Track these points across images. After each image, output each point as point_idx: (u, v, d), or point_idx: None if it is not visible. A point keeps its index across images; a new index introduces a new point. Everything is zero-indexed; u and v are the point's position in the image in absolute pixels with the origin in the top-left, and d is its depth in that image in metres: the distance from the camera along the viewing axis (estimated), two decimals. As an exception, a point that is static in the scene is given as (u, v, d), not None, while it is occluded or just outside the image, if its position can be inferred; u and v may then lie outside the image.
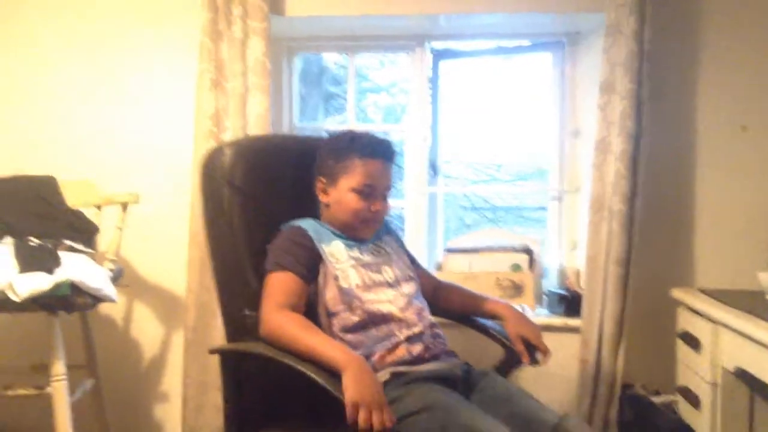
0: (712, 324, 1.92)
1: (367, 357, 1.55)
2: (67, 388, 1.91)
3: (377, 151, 1.74)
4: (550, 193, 2.64)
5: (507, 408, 1.53)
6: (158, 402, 2.51)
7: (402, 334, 1.62)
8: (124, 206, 2.20)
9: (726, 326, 1.85)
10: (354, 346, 1.56)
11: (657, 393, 2.24)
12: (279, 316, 1.52)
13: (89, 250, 2.11)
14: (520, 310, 2.36)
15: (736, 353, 1.81)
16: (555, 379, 2.31)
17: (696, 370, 2.00)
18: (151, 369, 2.51)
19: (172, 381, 2.46)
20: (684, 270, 2.35)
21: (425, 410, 1.43)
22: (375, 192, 1.72)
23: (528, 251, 2.50)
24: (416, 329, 1.64)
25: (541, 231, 2.72)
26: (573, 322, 2.33)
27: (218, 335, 2.25)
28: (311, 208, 1.80)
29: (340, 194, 1.72)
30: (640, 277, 2.22)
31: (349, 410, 1.32)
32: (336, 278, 1.64)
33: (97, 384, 2.23)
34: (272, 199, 1.79)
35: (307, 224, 1.71)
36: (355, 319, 1.61)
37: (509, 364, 1.81)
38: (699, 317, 2.00)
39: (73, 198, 2.20)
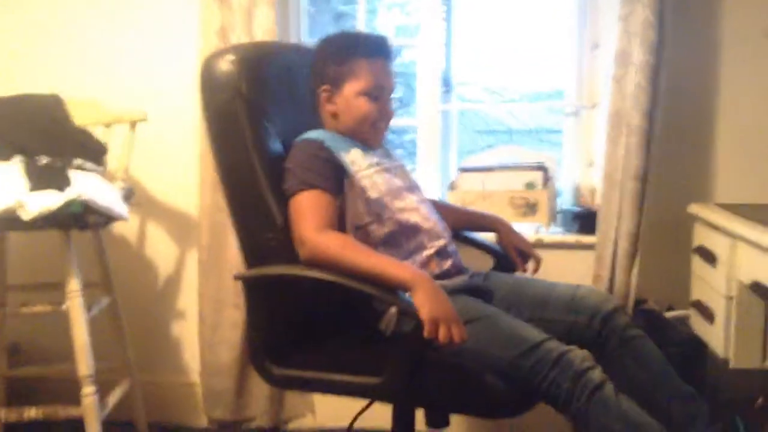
0: (729, 238, 1.89)
1: None
2: (83, 304, 1.93)
3: (381, 49, 1.67)
4: (567, 110, 2.57)
5: (524, 298, 1.65)
6: (175, 319, 2.55)
7: (432, 247, 1.61)
8: (133, 124, 2.18)
9: (744, 239, 1.82)
10: None
11: (670, 308, 2.24)
12: (325, 237, 1.46)
13: (99, 169, 2.10)
14: (535, 228, 2.37)
15: (753, 267, 1.79)
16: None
17: (711, 285, 1.99)
18: (166, 287, 2.54)
19: (188, 298, 2.49)
20: (703, 186, 2.30)
21: (470, 322, 1.42)
22: (383, 94, 1.67)
23: (543, 169, 2.45)
24: (442, 241, 1.63)
25: (557, 152, 2.66)
26: (587, 239, 2.31)
27: (232, 255, 2.26)
28: (316, 121, 1.73)
29: (348, 100, 1.65)
30: (658, 193, 2.17)
31: (428, 327, 1.30)
32: (363, 189, 1.59)
33: (114, 302, 2.25)
34: (282, 110, 1.68)
35: (321, 135, 1.64)
36: (385, 230, 1.58)
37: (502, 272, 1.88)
38: (716, 231, 1.97)
39: (80, 117, 2.16)
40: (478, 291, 1.61)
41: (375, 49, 1.67)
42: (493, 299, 1.64)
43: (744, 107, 2.25)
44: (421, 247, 1.60)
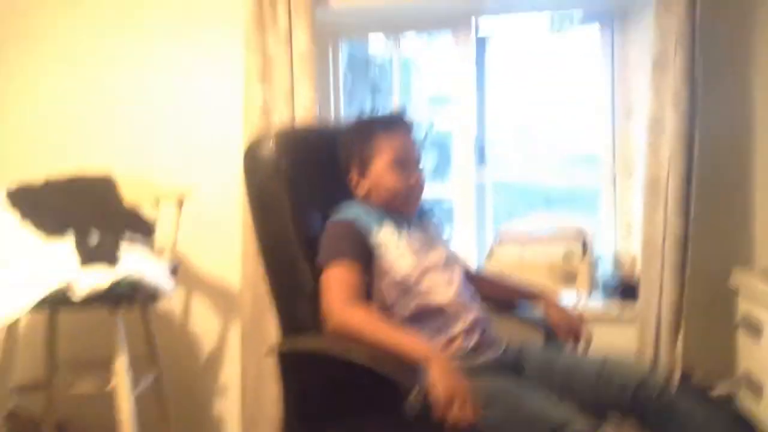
0: (776, 307, 1.85)
1: None
2: (129, 385, 1.95)
3: (398, 123, 1.76)
4: (603, 176, 2.58)
5: (556, 369, 1.60)
6: (217, 394, 2.56)
7: (457, 326, 1.61)
8: (180, 201, 2.25)
9: (791, 309, 1.79)
10: None
11: (716, 383, 2.17)
12: (351, 310, 1.49)
13: (148, 245, 2.16)
14: (575, 298, 2.34)
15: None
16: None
17: (758, 358, 1.94)
18: (209, 361, 2.57)
19: (231, 373, 2.50)
20: (744, 251, 2.26)
21: (492, 402, 1.41)
22: (409, 164, 1.73)
23: (581, 237, 2.44)
24: (470, 318, 1.63)
25: (595, 215, 2.66)
26: (629, 309, 2.28)
27: (274, 327, 2.28)
28: (353, 196, 1.78)
29: (377, 176, 1.72)
30: (698, 261, 2.13)
31: (440, 405, 1.30)
32: (389, 270, 1.62)
33: (159, 378, 2.28)
34: (319, 186, 1.77)
35: (353, 214, 1.68)
36: (409, 311, 1.60)
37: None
38: (761, 301, 1.93)
39: (130, 195, 2.26)
40: (507, 367, 1.60)
41: (391, 124, 1.75)
42: (524, 373, 1.63)
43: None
44: (446, 327, 1.60)
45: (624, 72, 2.49)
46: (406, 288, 1.62)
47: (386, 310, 1.61)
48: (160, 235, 2.26)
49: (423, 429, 1.33)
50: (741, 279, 2.08)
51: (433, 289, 1.64)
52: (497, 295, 1.88)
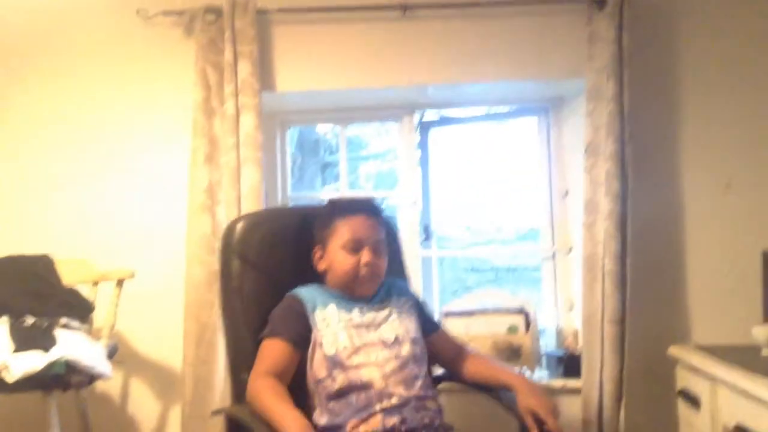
0: (710, 381, 1.90)
1: (341, 426, 1.58)
2: (62, 469, 1.88)
3: (357, 208, 1.82)
4: (543, 254, 2.65)
5: None
6: (157, 481, 2.47)
7: (380, 404, 1.61)
8: (120, 282, 2.22)
9: (724, 383, 1.84)
10: (336, 413, 1.61)
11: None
12: (258, 382, 1.60)
13: (84, 327, 2.12)
14: (525, 374, 2.36)
15: (735, 410, 1.79)
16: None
17: (698, 429, 1.97)
18: (149, 445, 2.48)
19: (171, 457, 2.42)
20: (680, 326, 2.35)
21: None
22: (362, 245, 1.76)
23: (524, 312, 2.49)
24: (395, 400, 1.62)
25: (539, 291, 2.72)
26: (573, 383, 2.31)
27: (216, 408, 2.24)
28: (314, 277, 1.85)
29: (332, 257, 1.78)
30: (637, 335, 2.21)
31: None
32: (321, 345, 1.67)
33: (94, 463, 2.20)
34: (281, 269, 1.88)
35: (306, 290, 1.77)
36: (336, 386, 1.63)
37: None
38: (697, 374, 1.99)
39: (69, 276, 2.22)
40: None
41: (354, 208, 1.83)
42: None
43: (709, 251, 2.36)
44: (369, 404, 1.61)
45: (560, 155, 2.61)
46: (336, 362, 1.65)
47: (317, 383, 1.65)
48: (99, 317, 2.21)
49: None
50: (678, 353, 2.14)
51: (364, 366, 1.65)
52: (479, 378, 1.86)
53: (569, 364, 2.37)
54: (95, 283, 2.25)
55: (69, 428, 2.18)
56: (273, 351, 1.66)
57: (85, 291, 2.22)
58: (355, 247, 1.76)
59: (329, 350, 1.66)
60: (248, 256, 1.84)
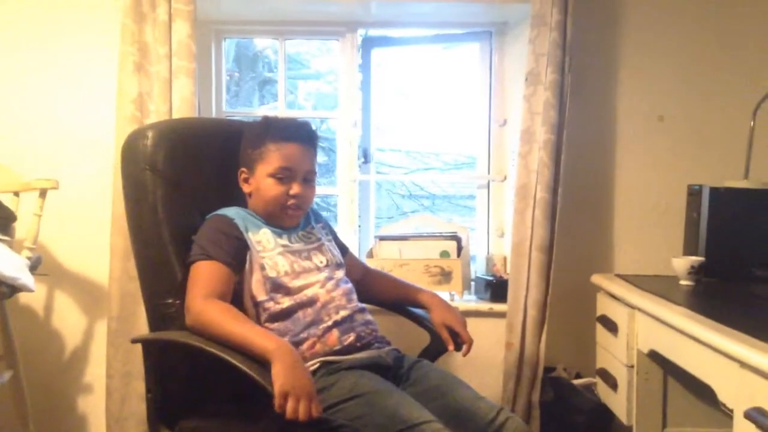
0: (628, 308, 1.99)
1: (297, 345, 1.54)
2: (-19, 380, 1.85)
3: (292, 135, 1.71)
4: (479, 182, 2.68)
5: (441, 399, 1.54)
6: (82, 393, 2.45)
7: (330, 318, 1.61)
8: (43, 192, 2.13)
9: (641, 310, 1.92)
10: (281, 333, 1.56)
11: (578, 375, 2.32)
12: (206, 304, 1.50)
13: (6, 238, 2.04)
14: (449, 296, 2.43)
15: (650, 336, 1.89)
16: (482, 362, 2.36)
17: (613, 353, 2.07)
18: (73, 359, 2.45)
19: (96, 371, 2.40)
20: (604, 256, 2.44)
21: (353, 397, 1.44)
22: (293, 175, 1.69)
23: (456, 238, 2.54)
24: (344, 312, 1.63)
25: (471, 218, 2.76)
26: (499, 307, 2.38)
27: (143, 324, 2.20)
28: (239, 196, 1.76)
29: (259, 182, 1.70)
30: (563, 264, 2.28)
31: (277, 399, 1.31)
32: (263, 267, 1.62)
33: (16, 375, 2.15)
34: (198, 185, 1.75)
35: (233, 212, 1.68)
36: (282, 306, 1.60)
37: (435, 350, 1.84)
38: (616, 302, 2.07)
39: (-12, 184, 2.12)
40: (378, 367, 1.60)
41: (287, 134, 1.72)
42: (401, 382, 1.63)
43: (638, 183, 2.43)
44: (318, 320, 1.61)
45: (501, 84, 2.60)
46: (278, 286, 1.62)
47: (256, 306, 1.61)
48: (21, 228, 2.13)
49: (276, 418, 1.34)
50: (599, 281, 2.22)
51: (307, 287, 1.65)
52: (390, 297, 1.91)
53: (497, 289, 2.44)
54: (17, 193, 2.15)
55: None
56: (211, 274, 1.56)
57: (6, 200, 2.12)
58: (286, 177, 1.68)
59: (270, 273, 1.62)
60: (163, 169, 1.67)
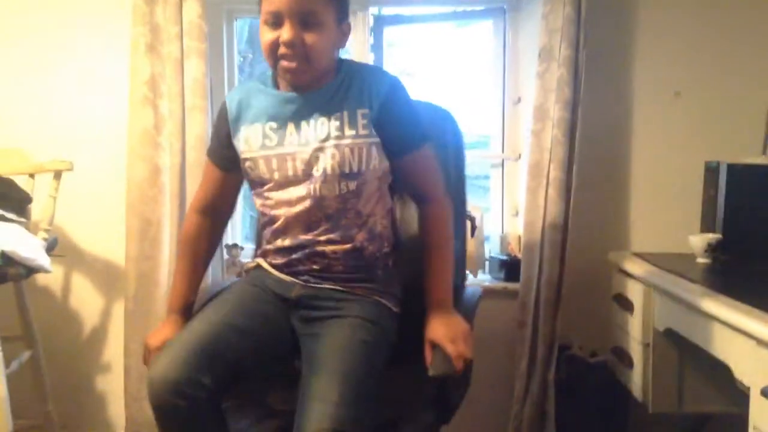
0: (644, 286, 1.98)
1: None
2: (1, 359, 1.86)
3: None
4: (493, 161, 2.66)
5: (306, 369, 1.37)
6: (100, 372, 2.48)
7: (280, 241, 1.51)
8: (58, 174, 2.14)
9: (657, 288, 1.91)
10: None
11: (593, 354, 2.31)
12: (186, 222, 1.61)
13: (22, 219, 2.06)
14: (467, 277, 2.37)
15: (666, 314, 1.88)
16: (496, 341, 2.36)
17: (629, 331, 2.07)
18: (91, 339, 2.48)
19: (114, 351, 2.43)
20: (619, 234, 2.40)
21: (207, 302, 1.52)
22: (281, 18, 1.40)
23: (470, 218, 2.51)
24: (287, 241, 1.49)
25: (486, 198, 2.74)
26: (513, 286, 2.37)
27: (160, 305, 2.24)
28: None
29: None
30: (578, 242, 2.26)
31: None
32: (246, 172, 1.50)
33: (35, 355, 2.19)
34: None
35: (239, 91, 1.54)
36: (265, 218, 1.54)
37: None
38: (632, 280, 2.06)
39: (3, 166, 2.13)
40: (297, 305, 1.50)
41: None
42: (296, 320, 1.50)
43: (654, 161, 2.38)
44: (274, 239, 1.52)
45: (515, 61, 2.56)
46: (257, 195, 1.54)
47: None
48: (37, 210, 2.15)
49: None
50: (616, 259, 2.20)
51: (278, 206, 1.49)
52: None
53: (510, 268, 2.43)
54: (32, 176, 2.17)
55: (8, 322, 2.16)
56: (206, 176, 1.55)
57: (22, 182, 2.14)
58: (275, 22, 1.41)
59: (254, 177, 1.50)
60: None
